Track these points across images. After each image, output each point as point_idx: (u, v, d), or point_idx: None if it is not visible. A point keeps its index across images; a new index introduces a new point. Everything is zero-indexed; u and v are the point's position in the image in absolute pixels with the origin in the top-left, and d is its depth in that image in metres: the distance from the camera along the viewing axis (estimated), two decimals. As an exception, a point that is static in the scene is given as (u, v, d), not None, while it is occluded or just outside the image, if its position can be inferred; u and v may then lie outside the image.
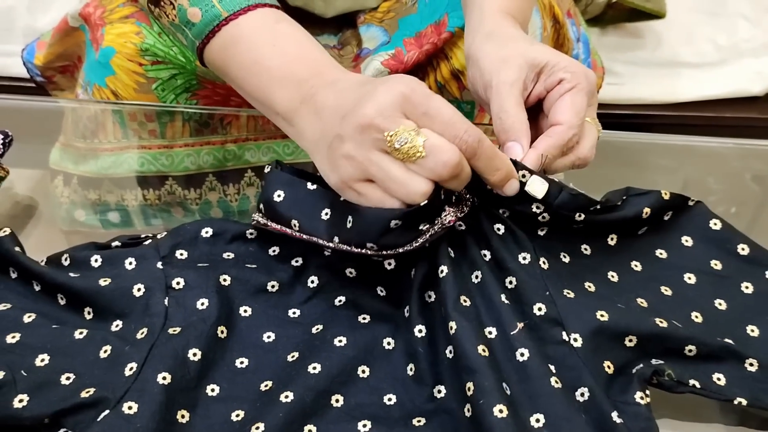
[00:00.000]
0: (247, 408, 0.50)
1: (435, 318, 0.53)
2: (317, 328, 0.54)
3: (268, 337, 0.54)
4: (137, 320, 0.52)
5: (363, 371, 0.52)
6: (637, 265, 0.58)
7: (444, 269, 0.52)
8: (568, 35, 0.85)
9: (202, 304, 0.53)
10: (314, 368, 0.51)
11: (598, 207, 0.55)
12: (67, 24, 0.83)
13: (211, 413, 0.49)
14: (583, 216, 0.55)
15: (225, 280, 0.55)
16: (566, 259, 0.56)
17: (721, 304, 0.57)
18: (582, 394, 0.49)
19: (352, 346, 0.53)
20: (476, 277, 0.54)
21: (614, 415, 0.48)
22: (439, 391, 0.51)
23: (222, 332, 0.53)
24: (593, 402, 0.49)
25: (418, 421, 0.50)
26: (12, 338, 0.51)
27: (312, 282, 0.56)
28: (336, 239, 0.52)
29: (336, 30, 0.85)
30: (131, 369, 0.49)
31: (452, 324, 0.50)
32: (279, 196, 0.54)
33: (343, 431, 0.49)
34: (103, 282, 0.53)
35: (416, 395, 0.51)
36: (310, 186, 0.54)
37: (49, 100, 0.91)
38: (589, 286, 0.55)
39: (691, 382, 0.51)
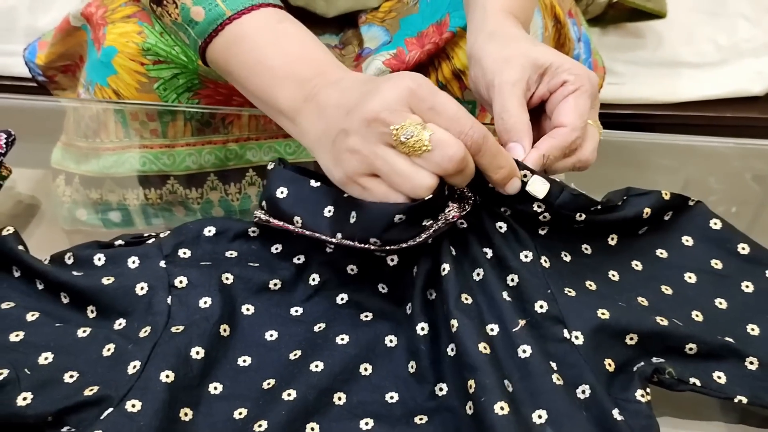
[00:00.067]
0: (250, 406, 0.50)
1: (437, 316, 0.53)
2: (319, 327, 0.55)
3: (271, 335, 0.54)
4: (140, 319, 0.52)
5: (365, 369, 0.52)
6: (637, 265, 0.58)
7: (446, 267, 0.52)
8: (569, 35, 0.85)
9: (205, 302, 0.53)
10: (316, 366, 0.51)
11: (599, 207, 0.56)
12: (69, 24, 0.83)
13: (214, 411, 0.50)
14: (583, 216, 0.55)
15: (227, 278, 0.55)
16: (567, 258, 0.56)
17: (721, 303, 0.57)
18: (583, 392, 0.50)
19: (355, 344, 0.53)
20: (478, 274, 0.54)
21: (615, 412, 0.48)
22: (441, 389, 0.51)
23: (225, 331, 0.53)
24: (594, 399, 0.49)
25: (420, 419, 0.50)
26: (15, 337, 0.51)
27: (313, 280, 0.56)
28: (339, 235, 0.52)
29: (337, 30, 0.85)
30: (134, 367, 0.49)
31: (454, 322, 0.50)
32: (282, 192, 0.54)
33: (346, 429, 0.49)
34: (107, 280, 0.53)
35: (418, 393, 0.51)
36: (314, 183, 0.54)
37: (50, 99, 0.91)
38: (590, 285, 0.55)
39: (692, 380, 0.51)
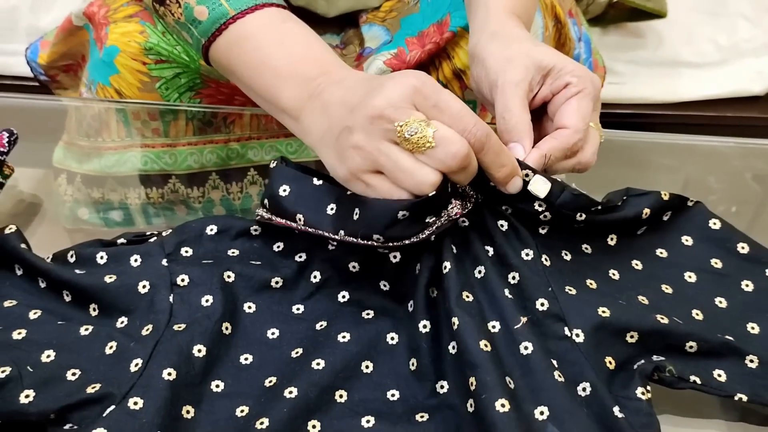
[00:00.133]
0: (252, 404, 0.50)
1: (439, 313, 0.53)
2: (321, 325, 0.55)
3: (272, 333, 0.54)
4: (142, 317, 0.52)
5: (367, 366, 0.52)
6: (637, 264, 0.58)
7: (447, 265, 0.52)
8: (569, 35, 0.85)
9: (207, 300, 0.53)
10: (318, 364, 0.51)
11: (599, 207, 0.56)
12: (71, 23, 0.83)
13: (216, 409, 0.50)
14: (584, 216, 0.55)
15: (229, 276, 0.55)
16: (568, 257, 0.56)
17: (721, 302, 0.57)
18: (584, 389, 0.50)
19: (356, 341, 0.53)
20: (479, 272, 0.54)
21: (616, 409, 0.48)
22: (442, 387, 0.51)
23: (226, 329, 0.53)
24: (595, 397, 0.49)
25: (421, 417, 0.50)
26: (18, 334, 0.51)
27: (315, 277, 0.56)
28: (341, 232, 0.52)
29: (338, 29, 0.85)
30: (136, 365, 0.49)
31: (455, 319, 0.50)
32: (284, 190, 0.54)
33: (347, 427, 0.49)
34: (109, 279, 0.54)
35: (419, 391, 0.51)
36: (316, 181, 0.54)
37: (52, 98, 0.92)
38: (591, 283, 0.56)
39: (692, 378, 0.52)
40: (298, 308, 0.56)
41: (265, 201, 0.56)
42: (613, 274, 0.57)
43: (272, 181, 0.55)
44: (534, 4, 0.70)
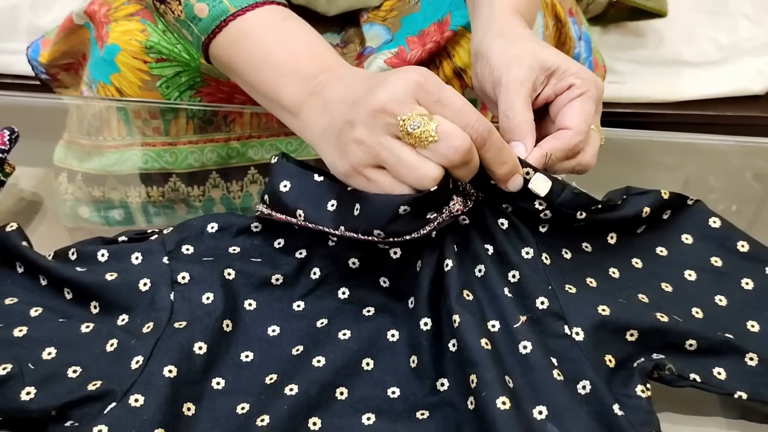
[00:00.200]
0: (252, 401, 0.50)
1: (440, 311, 0.53)
2: (322, 322, 0.55)
3: (273, 330, 0.54)
4: (143, 314, 0.52)
5: (367, 364, 0.53)
6: (637, 263, 0.59)
7: (449, 263, 0.53)
8: (569, 34, 0.85)
9: (208, 298, 0.53)
10: (319, 361, 0.52)
11: (600, 206, 0.56)
12: (72, 22, 0.83)
13: (217, 406, 0.50)
14: (584, 214, 0.55)
15: (229, 274, 0.55)
16: (568, 256, 0.57)
17: (721, 300, 0.57)
18: (584, 387, 0.50)
19: (357, 339, 0.53)
20: (479, 271, 0.54)
21: (615, 407, 0.48)
22: (442, 384, 0.51)
23: (227, 326, 0.53)
24: (595, 395, 0.49)
25: (422, 414, 0.50)
26: (19, 332, 0.51)
27: (314, 273, 0.56)
28: (342, 228, 0.52)
29: (339, 28, 0.85)
30: (137, 362, 0.49)
31: (455, 317, 0.51)
32: (285, 186, 0.54)
33: (348, 424, 0.49)
34: (110, 276, 0.54)
35: (419, 388, 0.51)
36: (317, 177, 0.54)
37: (53, 97, 0.92)
38: (591, 282, 0.56)
39: (692, 376, 0.52)
40: (298, 305, 0.56)
41: (266, 197, 0.56)
42: (613, 273, 0.57)
43: (273, 176, 0.55)
44: (537, 3, 0.70)
